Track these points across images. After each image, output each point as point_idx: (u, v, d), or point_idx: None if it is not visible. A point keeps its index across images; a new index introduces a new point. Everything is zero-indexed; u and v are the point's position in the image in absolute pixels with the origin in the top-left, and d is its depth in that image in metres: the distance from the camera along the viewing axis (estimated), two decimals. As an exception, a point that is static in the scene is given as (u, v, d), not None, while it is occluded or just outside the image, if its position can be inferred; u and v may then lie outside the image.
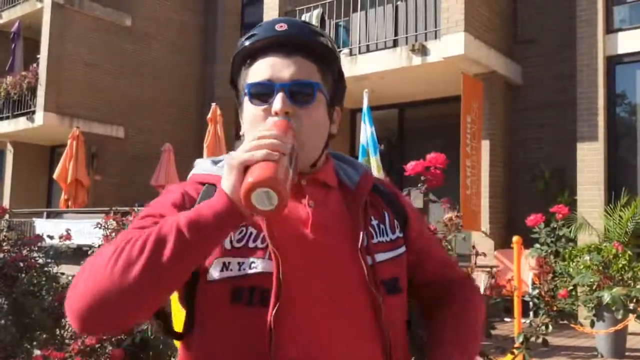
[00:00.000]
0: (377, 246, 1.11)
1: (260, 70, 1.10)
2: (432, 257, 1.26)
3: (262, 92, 1.08)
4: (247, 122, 1.11)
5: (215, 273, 1.02)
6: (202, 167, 1.17)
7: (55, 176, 12.21)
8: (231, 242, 1.03)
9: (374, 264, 1.08)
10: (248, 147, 0.93)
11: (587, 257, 5.80)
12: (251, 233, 1.04)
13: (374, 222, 1.14)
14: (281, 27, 1.10)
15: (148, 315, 0.98)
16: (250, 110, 1.10)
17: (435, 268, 1.25)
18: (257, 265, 1.01)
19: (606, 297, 5.27)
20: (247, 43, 1.12)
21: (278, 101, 1.06)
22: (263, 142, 0.93)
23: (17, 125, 14.00)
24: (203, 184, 1.11)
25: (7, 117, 14.42)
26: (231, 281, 1.01)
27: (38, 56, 13.71)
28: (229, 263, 1.02)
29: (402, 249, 1.17)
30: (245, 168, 0.92)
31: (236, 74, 1.16)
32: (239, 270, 1.01)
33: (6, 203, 13.98)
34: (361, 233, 1.09)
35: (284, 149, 0.93)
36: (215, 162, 1.16)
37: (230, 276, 1.01)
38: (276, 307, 0.98)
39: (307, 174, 1.13)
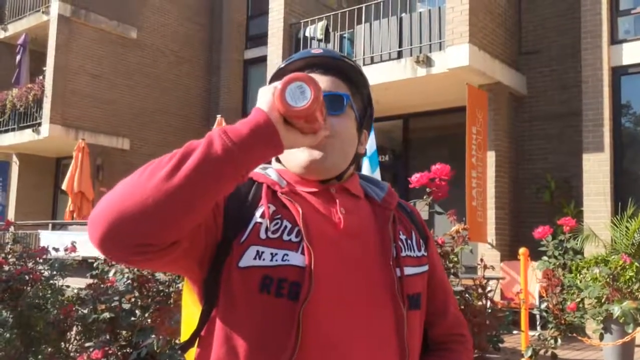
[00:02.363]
0: (405, 260, 1.13)
1: None
2: (448, 308, 1.27)
3: None
4: None
5: (247, 260, 1.03)
6: None
7: (64, 187, 12.25)
8: (266, 232, 1.05)
9: (402, 277, 1.10)
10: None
11: (596, 270, 5.75)
12: (286, 226, 1.06)
13: (402, 237, 1.17)
14: (317, 51, 1.19)
15: (173, 233, 0.93)
16: None
17: (447, 320, 1.26)
18: (289, 258, 1.03)
19: (616, 310, 5.23)
20: (284, 64, 1.19)
21: None
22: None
23: (22, 137, 14.06)
24: None
25: (13, 129, 14.48)
26: (262, 270, 1.02)
27: (44, 68, 13.79)
28: (262, 252, 1.03)
29: (426, 267, 1.20)
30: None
31: (280, 72, 1.20)
32: (271, 260, 1.02)
33: (11, 215, 14.01)
34: (392, 244, 1.11)
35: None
36: None
37: (262, 265, 1.02)
38: (306, 301, 0.98)
39: (335, 183, 1.16)
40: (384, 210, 1.17)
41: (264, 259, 1.02)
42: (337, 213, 1.11)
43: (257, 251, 1.03)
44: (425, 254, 1.21)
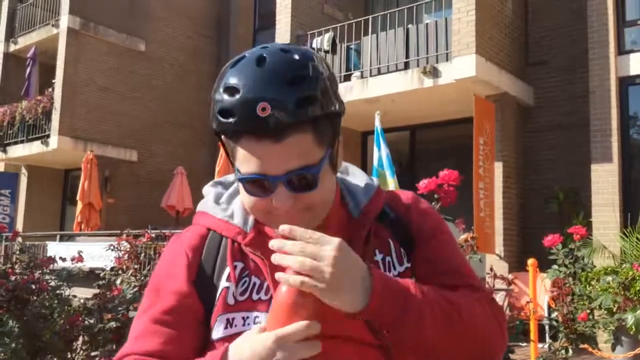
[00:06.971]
0: None
1: (249, 159, 0.94)
2: (437, 265, 1.07)
3: (258, 186, 0.96)
4: (248, 208, 1.01)
5: (219, 331, 0.97)
6: (206, 205, 1.11)
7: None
8: (234, 296, 0.99)
9: None
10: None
11: (609, 278, 5.69)
12: (254, 284, 1.00)
13: (379, 257, 1.04)
14: (264, 111, 0.89)
15: None
16: (248, 200, 0.99)
17: (440, 278, 1.05)
18: (261, 320, 0.96)
19: (630, 319, 5.16)
20: (225, 121, 0.93)
21: (281, 200, 0.94)
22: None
23: (31, 149, 14.14)
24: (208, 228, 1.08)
25: (22, 141, 14.57)
26: (234, 337, 0.94)
27: (53, 81, 13.91)
28: (232, 319, 0.97)
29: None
30: None
31: (219, 128, 0.96)
32: (244, 325, 0.97)
33: (20, 226, 14.06)
34: None
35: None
36: (218, 198, 1.11)
37: (235, 332, 0.96)
38: None
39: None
40: (357, 230, 1.04)
41: (235, 326, 0.97)
42: None
43: (228, 319, 0.97)
44: (409, 265, 1.06)
